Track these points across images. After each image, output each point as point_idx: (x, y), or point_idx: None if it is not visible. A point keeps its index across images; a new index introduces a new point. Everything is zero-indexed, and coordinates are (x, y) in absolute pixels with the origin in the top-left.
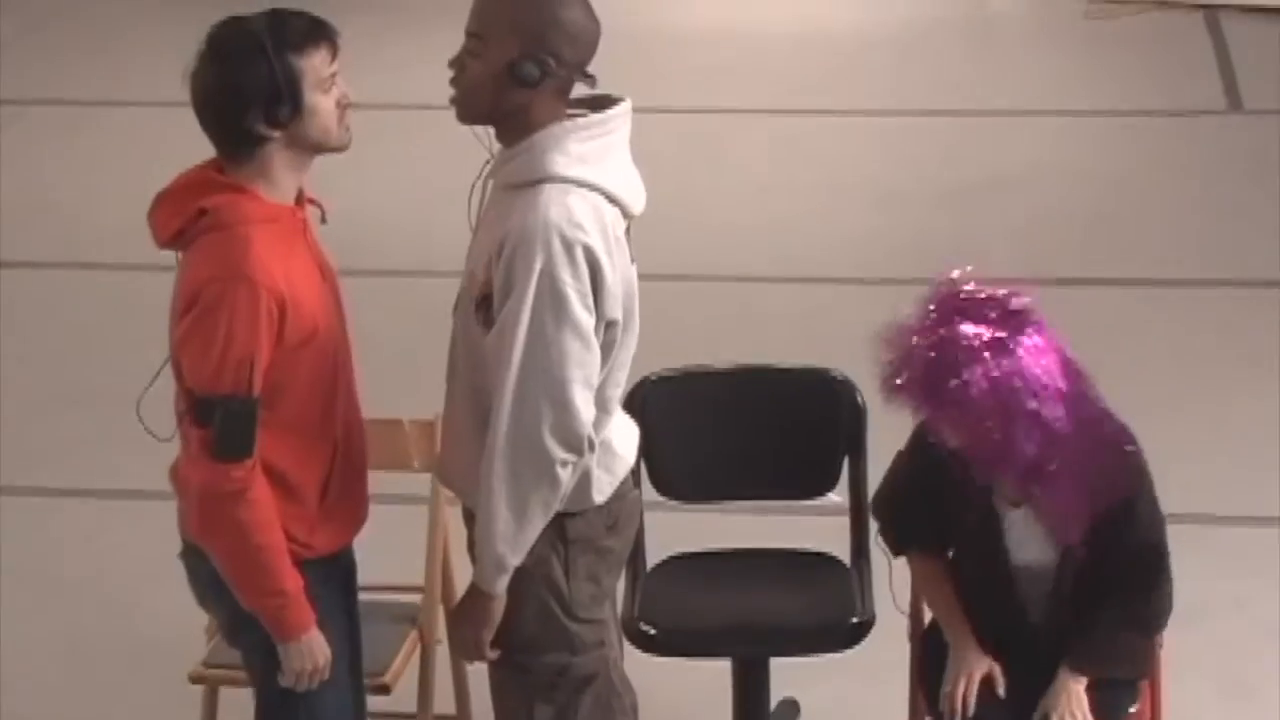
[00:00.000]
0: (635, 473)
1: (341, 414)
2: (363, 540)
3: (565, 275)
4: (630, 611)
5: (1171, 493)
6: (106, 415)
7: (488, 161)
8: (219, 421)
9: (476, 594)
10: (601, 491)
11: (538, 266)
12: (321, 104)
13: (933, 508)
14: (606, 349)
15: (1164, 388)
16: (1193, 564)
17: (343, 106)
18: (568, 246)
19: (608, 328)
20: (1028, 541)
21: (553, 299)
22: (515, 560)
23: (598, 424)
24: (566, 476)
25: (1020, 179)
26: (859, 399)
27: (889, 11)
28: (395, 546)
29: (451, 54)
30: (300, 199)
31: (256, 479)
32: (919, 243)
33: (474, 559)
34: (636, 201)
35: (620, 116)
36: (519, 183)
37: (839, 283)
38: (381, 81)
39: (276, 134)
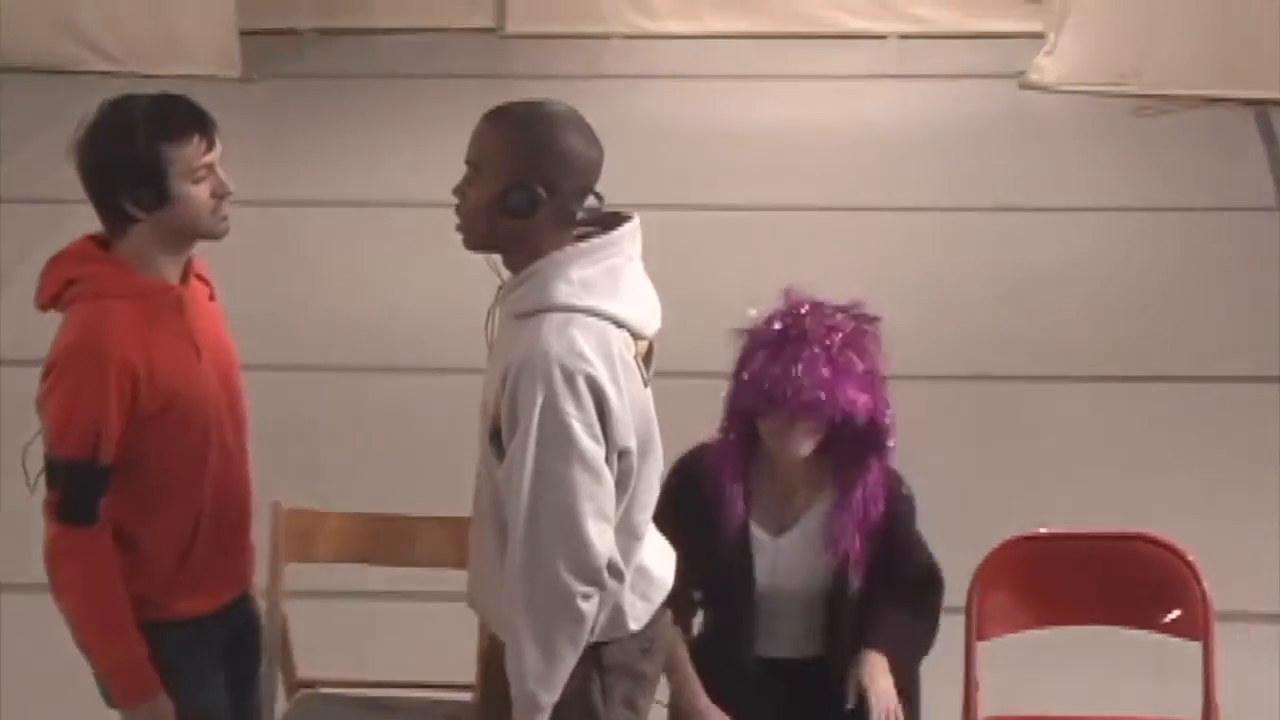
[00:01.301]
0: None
1: (211, 483)
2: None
3: (569, 407)
4: None
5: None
6: None
7: (500, 287)
8: (64, 485)
9: None
10: (638, 619)
11: (540, 400)
12: (191, 193)
13: (699, 548)
14: (624, 476)
15: (1206, 481)
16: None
17: (218, 197)
18: (569, 378)
19: (621, 456)
20: (789, 568)
21: (556, 432)
22: (549, 698)
23: (626, 551)
24: (590, 609)
25: (1069, 274)
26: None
27: (938, 108)
28: (451, 644)
29: None
30: (186, 277)
31: (100, 543)
32: (966, 338)
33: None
34: (648, 323)
35: (627, 237)
36: (522, 312)
37: (894, 378)
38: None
39: (144, 216)
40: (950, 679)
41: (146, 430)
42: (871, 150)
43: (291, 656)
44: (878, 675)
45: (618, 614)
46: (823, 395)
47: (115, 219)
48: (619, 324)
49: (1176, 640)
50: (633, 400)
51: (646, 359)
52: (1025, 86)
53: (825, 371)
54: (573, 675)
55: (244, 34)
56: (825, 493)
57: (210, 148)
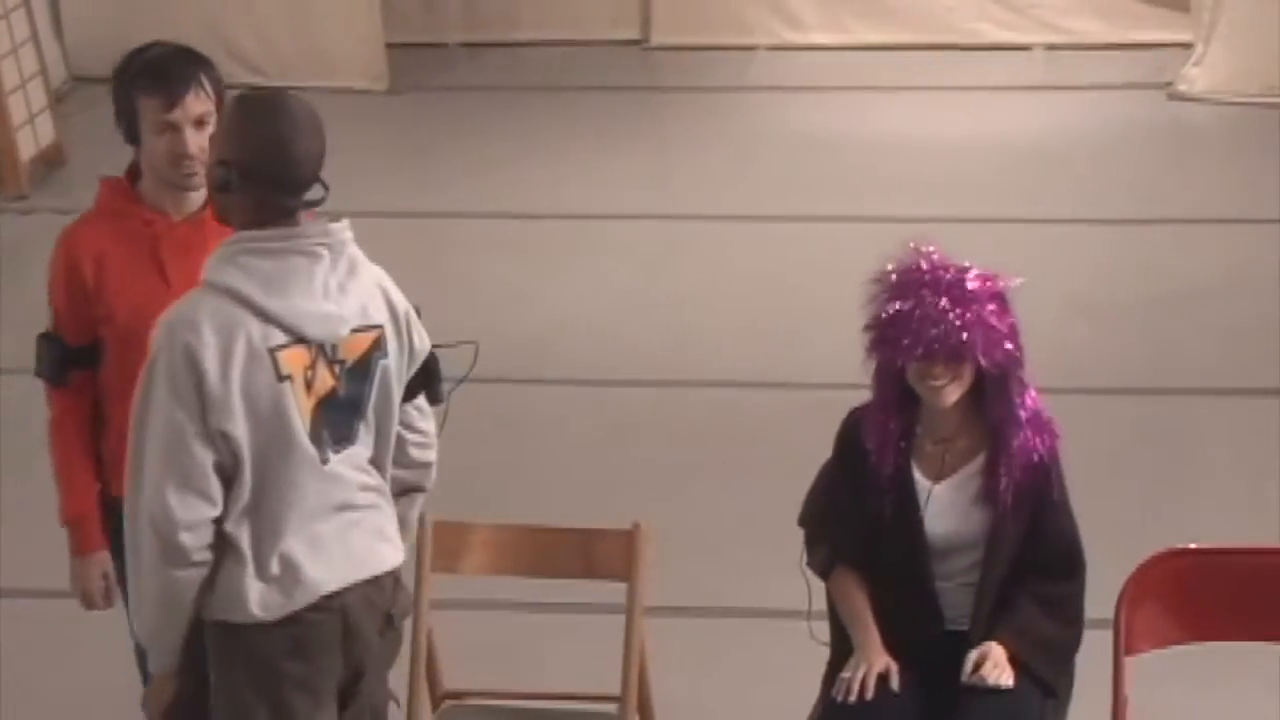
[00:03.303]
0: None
1: None
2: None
3: (160, 371)
4: None
5: None
6: None
7: None
8: (38, 348)
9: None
10: (266, 608)
11: (150, 356)
12: (152, 143)
13: (857, 502)
14: (233, 461)
15: None
16: None
17: (176, 155)
18: (170, 344)
19: (225, 438)
20: (948, 512)
21: (148, 392)
22: (157, 651)
23: (259, 538)
24: (174, 569)
25: (1219, 287)
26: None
27: (1084, 119)
28: (593, 656)
29: (641, 170)
30: (196, 218)
31: (65, 403)
32: (1117, 351)
33: None
34: (317, 327)
35: (316, 239)
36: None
37: (1041, 391)
38: (580, 192)
39: (133, 148)
40: (1096, 693)
41: (102, 330)
42: (1018, 162)
43: (438, 668)
44: (990, 654)
45: (235, 594)
46: (967, 336)
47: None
48: (267, 317)
49: None
50: (252, 390)
51: (364, 363)
52: (1173, 97)
53: (973, 312)
54: (214, 655)
55: (390, 47)
56: (984, 446)
57: (170, 109)
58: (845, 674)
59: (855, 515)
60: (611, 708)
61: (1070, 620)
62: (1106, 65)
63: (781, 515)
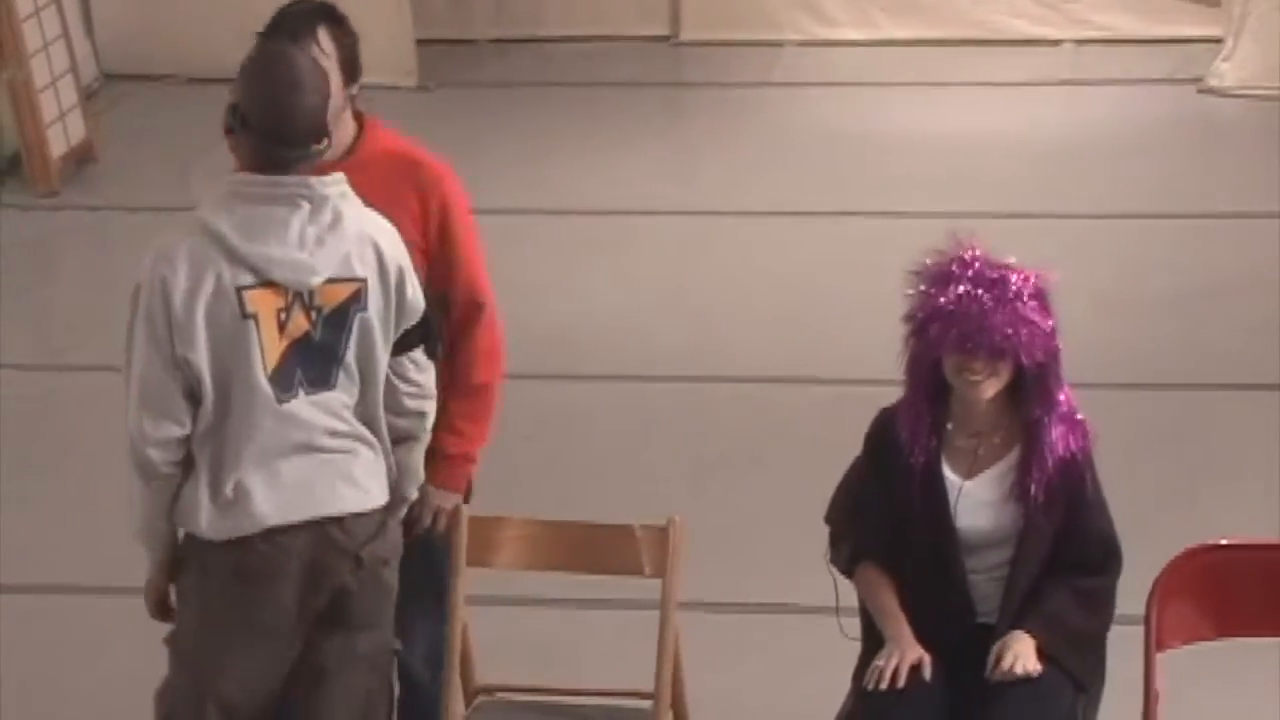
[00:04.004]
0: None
1: None
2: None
3: (140, 296)
4: None
5: None
6: None
7: None
8: None
9: None
10: (213, 529)
11: (135, 285)
12: None
13: (885, 501)
14: (193, 387)
15: None
16: None
17: None
18: (151, 276)
19: (186, 365)
20: (980, 509)
21: (131, 315)
22: (138, 542)
23: (216, 463)
24: (143, 473)
25: (1250, 280)
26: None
27: (1114, 113)
28: (626, 652)
29: (669, 166)
30: (344, 160)
31: None
32: (1147, 345)
33: None
34: (287, 274)
35: (300, 190)
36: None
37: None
38: (608, 187)
39: None
40: (1128, 689)
41: None
42: (1046, 157)
43: (471, 662)
44: (1015, 647)
45: (190, 510)
46: (1010, 332)
47: None
48: (236, 258)
49: None
50: (215, 323)
51: (341, 313)
52: (1203, 91)
53: (1016, 310)
54: (181, 559)
55: (420, 43)
56: (1017, 443)
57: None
58: (878, 663)
59: (881, 514)
60: (645, 704)
61: (1098, 613)
62: (1136, 60)
63: (810, 510)
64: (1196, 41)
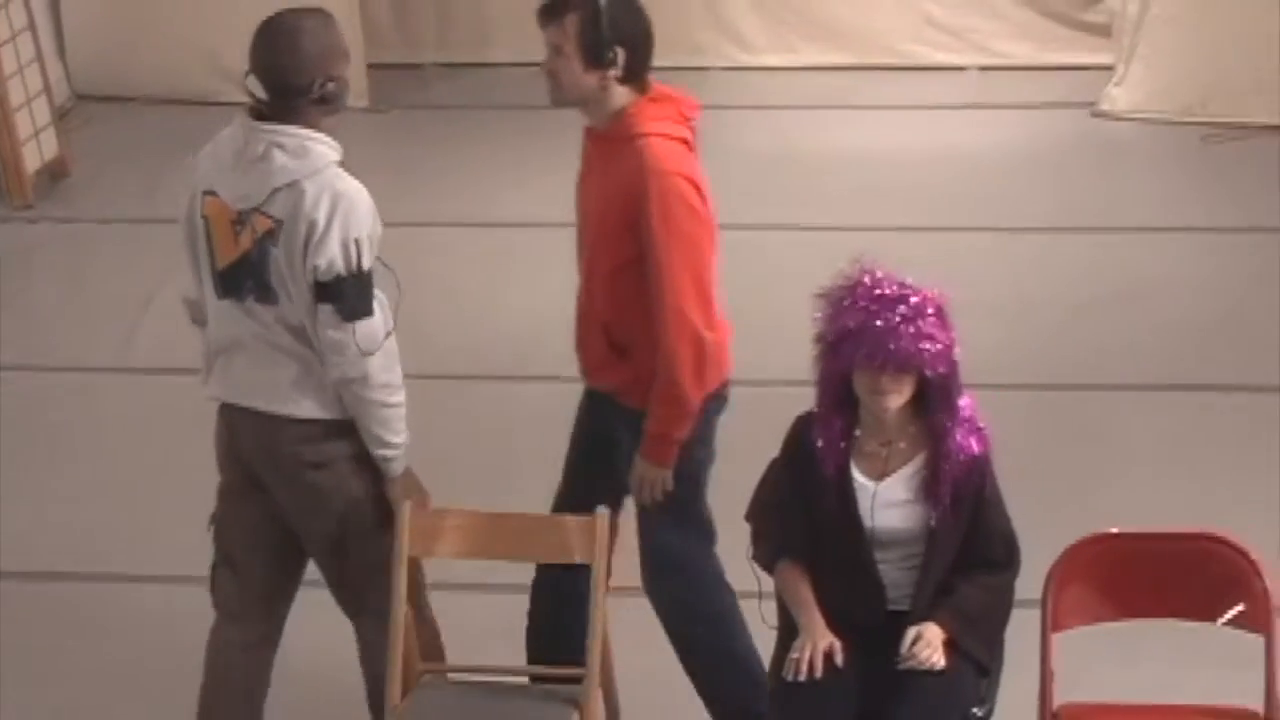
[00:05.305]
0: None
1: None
2: None
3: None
4: None
5: None
6: None
7: None
8: None
9: None
10: (204, 382)
11: None
12: None
13: (802, 501)
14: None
15: (1271, 485)
16: None
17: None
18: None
19: (186, 243)
20: (890, 509)
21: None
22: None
23: (209, 332)
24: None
25: (1141, 291)
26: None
27: (1015, 135)
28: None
29: None
30: (603, 130)
31: None
32: (1042, 351)
33: None
34: (221, 188)
35: (235, 127)
36: None
37: (975, 387)
38: (544, 203)
39: None
40: (1026, 668)
41: None
42: (954, 175)
43: (414, 645)
44: (929, 635)
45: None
46: (914, 349)
47: None
48: (199, 170)
49: (1240, 633)
50: (191, 218)
51: (265, 241)
52: (1097, 115)
53: (919, 327)
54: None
55: (371, 67)
56: (924, 448)
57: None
58: (793, 654)
59: (799, 513)
60: (578, 685)
61: (1001, 604)
62: (1036, 86)
63: (734, 506)
64: (1090, 69)
